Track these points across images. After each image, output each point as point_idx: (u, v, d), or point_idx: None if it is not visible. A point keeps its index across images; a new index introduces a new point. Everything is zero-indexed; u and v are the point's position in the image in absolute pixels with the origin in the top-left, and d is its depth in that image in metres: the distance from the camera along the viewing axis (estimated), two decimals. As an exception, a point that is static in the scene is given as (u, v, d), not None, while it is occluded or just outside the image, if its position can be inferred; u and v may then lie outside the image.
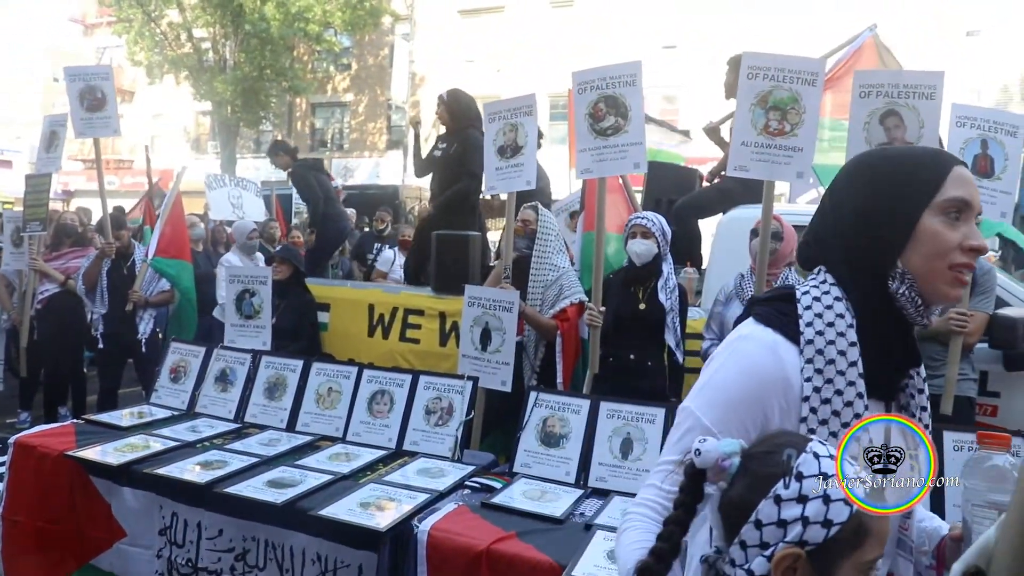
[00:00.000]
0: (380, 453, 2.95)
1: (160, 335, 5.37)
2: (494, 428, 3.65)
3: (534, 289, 3.82)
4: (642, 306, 3.41)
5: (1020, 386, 3.48)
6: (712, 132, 5.34)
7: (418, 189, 13.02)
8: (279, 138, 7.53)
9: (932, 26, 17.98)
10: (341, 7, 21.30)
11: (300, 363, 3.39)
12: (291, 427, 3.23)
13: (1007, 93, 18.10)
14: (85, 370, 6.00)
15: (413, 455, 2.94)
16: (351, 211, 9.30)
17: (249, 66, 21.11)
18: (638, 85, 3.36)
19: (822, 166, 4.75)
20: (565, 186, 7.43)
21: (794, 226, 3.39)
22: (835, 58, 5.22)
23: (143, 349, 5.14)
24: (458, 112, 5.33)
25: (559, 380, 3.59)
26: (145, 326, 5.19)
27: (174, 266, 5.26)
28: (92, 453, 2.80)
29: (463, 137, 5.19)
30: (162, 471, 2.63)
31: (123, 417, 3.33)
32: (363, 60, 25.40)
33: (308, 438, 3.12)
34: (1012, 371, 3.47)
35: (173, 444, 2.94)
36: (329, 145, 26.50)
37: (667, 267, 3.44)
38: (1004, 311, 3.49)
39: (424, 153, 5.60)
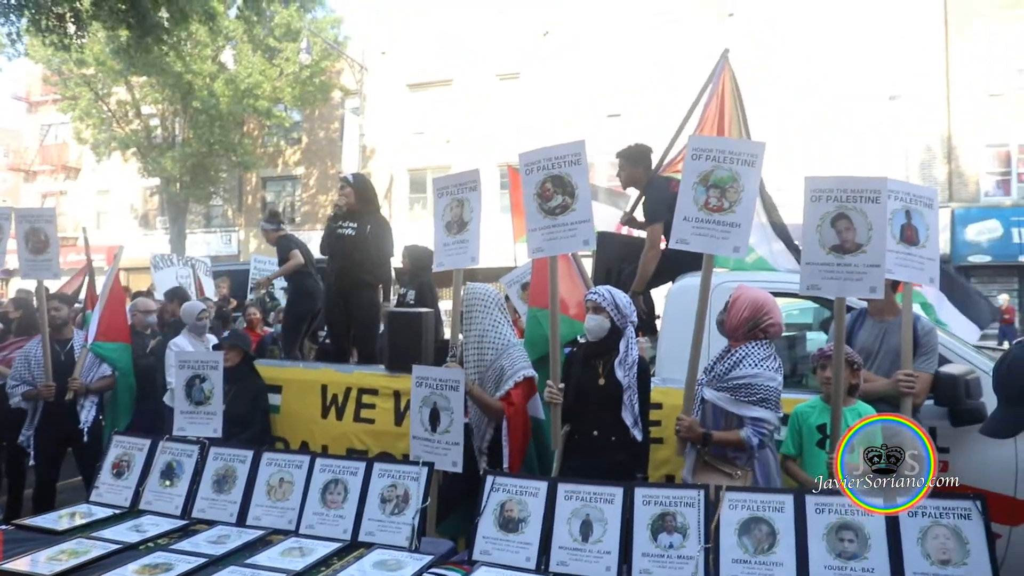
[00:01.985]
0: (335, 546, 2.83)
1: (102, 422, 5.17)
2: (452, 510, 3.56)
3: (467, 370, 3.69)
4: (601, 381, 3.41)
5: (967, 441, 3.57)
6: (629, 222, 5.63)
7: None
8: (273, 210, 7.50)
9: (856, 90, 19.05)
10: (291, 83, 21.65)
11: (250, 454, 3.27)
12: (241, 521, 3.09)
13: (930, 152, 19.16)
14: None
15: (369, 546, 2.84)
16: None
17: (198, 142, 21.14)
18: (583, 164, 3.47)
19: None
20: (510, 256, 7.54)
21: (774, 293, 3.44)
22: (707, 93, 5.56)
23: (85, 438, 4.93)
24: (364, 196, 5.43)
25: (505, 465, 3.51)
26: (87, 414, 5.00)
27: (115, 349, 5.15)
28: (21, 564, 2.62)
29: (374, 219, 5.35)
30: (99, 581, 2.48)
31: (59, 520, 3.14)
32: (313, 134, 25.66)
33: (259, 532, 2.98)
34: (958, 426, 3.56)
35: (114, 547, 2.78)
36: (281, 218, 26.42)
37: (624, 342, 3.43)
38: (945, 368, 3.61)
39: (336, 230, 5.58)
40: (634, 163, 5.19)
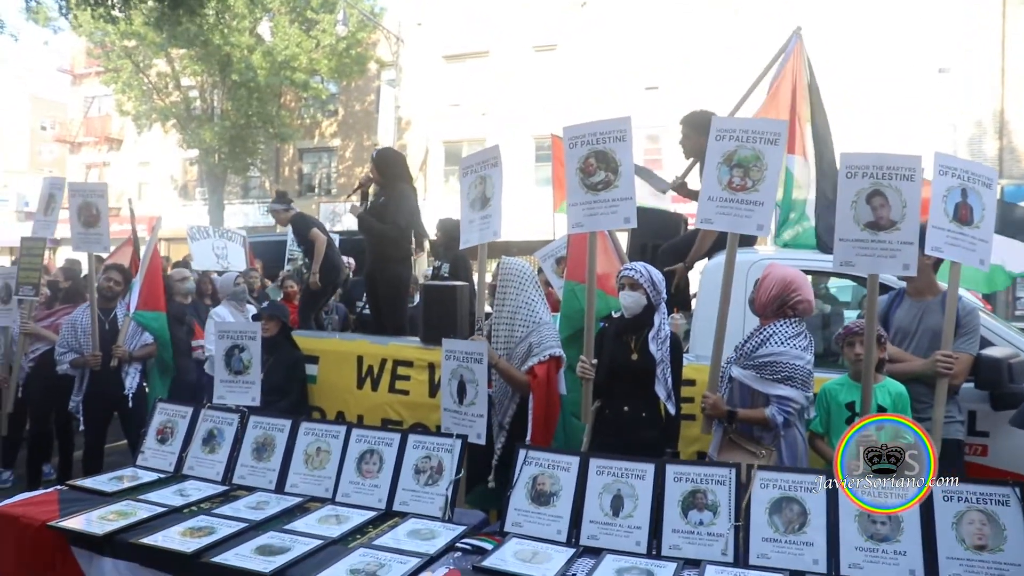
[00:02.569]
0: (370, 514, 2.91)
1: (146, 388, 5.34)
2: (479, 481, 3.62)
3: (496, 346, 3.72)
4: (634, 356, 3.41)
5: (1008, 425, 3.50)
6: (681, 188, 5.46)
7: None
8: (280, 190, 7.60)
9: (905, 63, 18.44)
10: (327, 55, 21.69)
11: (288, 423, 3.36)
12: (280, 488, 3.19)
13: (981, 128, 18.51)
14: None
15: (403, 516, 2.91)
16: (350, 260, 9.27)
17: (236, 114, 21.37)
18: (627, 140, 3.44)
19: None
20: (544, 229, 7.52)
21: (805, 271, 3.44)
22: (774, 70, 5.39)
23: (130, 404, 5.10)
24: (385, 169, 5.58)
25: (527, 440, 3.52)
26: (131, 380, 5.16)
27: (155, 319, 5.31)
28: (75, 523, 2.76)
29: (391, 191, 5.48)
30: (148, 540, 2.58)
31: (109, 482, 3.28)
32: (350, 106, 25.75)
33: (297, 500, 3.08)
34: (999, 410, 3.50)
35: (160, 510, 2.90)
36: (317, 190, 26.68)
37: (659, 317, 3.43)
38: (988, 351, 3.53)
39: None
40: (700, 132, 4.98)
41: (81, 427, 5.17)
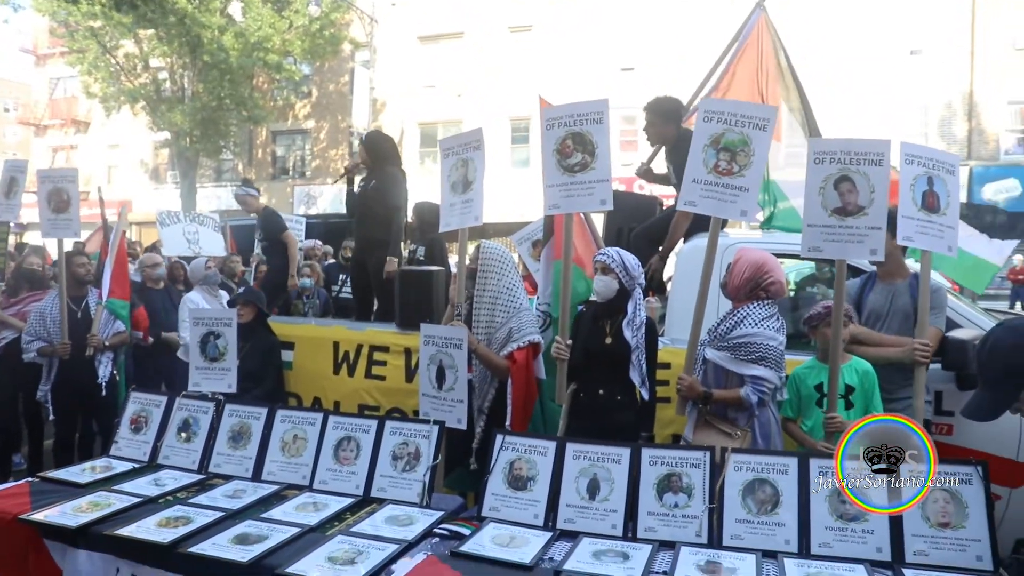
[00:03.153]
0: (348, 501, 2.91)
1: (117, 377, 5.27)
2: (457, 465, 3.63)
3: (476, 331, 3.71)
4: (608, 340, 3.43)
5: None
6: (645, 173, 5.46)
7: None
8: (245, 177, 7.62)
9: (877, 45, 18.61)
10: (300, 36, 21.34)
11: (264, 411, 3.35)
12: (256, 476, 3.18)
13: (951, 109, 18.79)
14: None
15: (381, 502, 2.92)
16: (318, 242, 9.21)
17: (208, 96, 20.96)
18: (605, 123, 3.44)
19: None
20: (522, 211, 7.54)
21: (776, 255, 3.46)
22: (734, 48, 5.40)
23: (103, 392, 5.04)
24: (375, 152, 5.63)
25: (507, 424, 3.55)
26: (104, 369, 5.10)
27: (123, 307, 5.27)
28: (48, 515, 2.73)
29: (381, 174, 5.51)
30: (123, 531, 2.56)
31: (82, 472, 3.25)
32: (323, 87, 25.40)
33: (274, 487, 3.07)
34: (965, 390, 3.58)
35: (135, 501, 2.88)
36: (291, 173, 26.36)
37: (633, 303, 3.44)
38: (955, 333, 3.61)
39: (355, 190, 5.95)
40: (666, 120, 4.98)
41: (51, 416, 5.10)
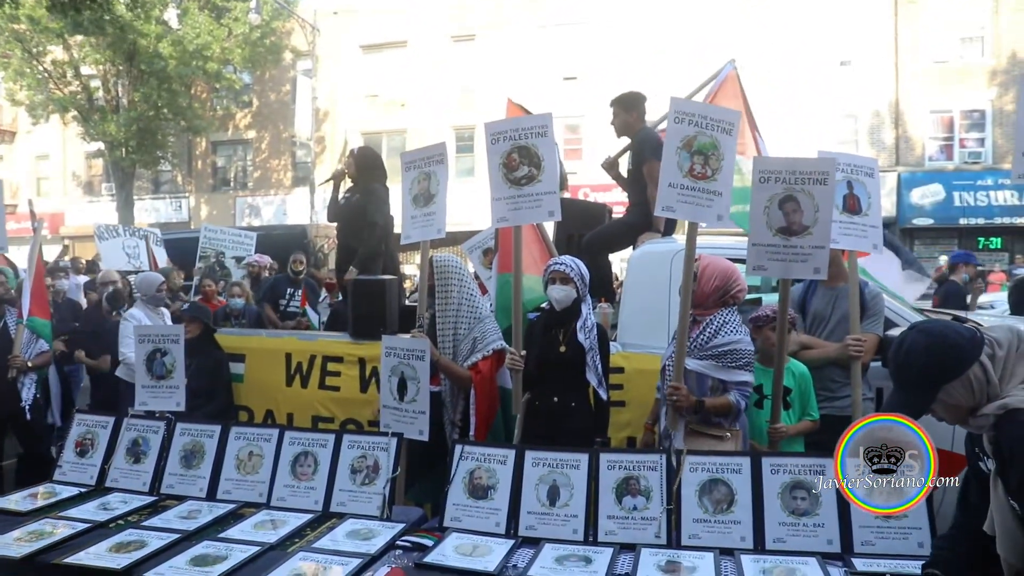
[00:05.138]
0: (307, 517, 2.88)
1: (40, 399, 5.06)
2: (418, 478, 3.63)
3: (443, 344, 3.75)
4: (563, 348, 3.48)
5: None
6: (611, 167, 5.53)
7: (327, 228, 12.87)
8: None
9: (807, 56, 19.32)
10: (240, 44, 20.91)
11: (218, 428, 3.28)
12: (211, 495, 3.12)
13: (879, 117, 19.61)
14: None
15: (341, 516, 2.90)
16: (267, 258, 9.02)
17: (144, 105, 20.31)
18: (550, 136, 3.50)
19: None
20: (468, 220, 7.58)
21: (731, 259, 3.50)
22: (703, 92, 5.56)
23: (27, 416, 4.84)
24: (364, 167, 5.75)
25: (472, 433, 3.58)
26: (28, 392, 4.89)
27: (44, 326, 5.08)
28: (-12, 546, 2.61)
29: (366, 190, 5.64)
30: (72, 559, 2.47)
31: (22, 500, 3.11)
32: (264, 96, 24.91)
33: (230, 506, 3.01)
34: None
35: (83, 527, 2.77)
36: (232, 184, 25.74)
37: (586, 308, 3.51)
38: (894, 332, 3.78)
39: (339, 199, 5.99)
40: (628, 109, 5.11)
41: None
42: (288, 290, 7.72)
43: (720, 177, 3.16)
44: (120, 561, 2.44)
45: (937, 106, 19.30)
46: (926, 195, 19.13)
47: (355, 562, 2.44)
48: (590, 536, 2.64)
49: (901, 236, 19.17)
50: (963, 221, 19.00)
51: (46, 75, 20.95)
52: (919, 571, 2.16)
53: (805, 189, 3.07)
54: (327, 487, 3.01)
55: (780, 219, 3.10)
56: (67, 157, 27.15)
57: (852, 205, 3.42)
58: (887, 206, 18.09)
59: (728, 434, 3.20)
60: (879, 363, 3.74)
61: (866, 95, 19.35)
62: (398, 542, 2.65)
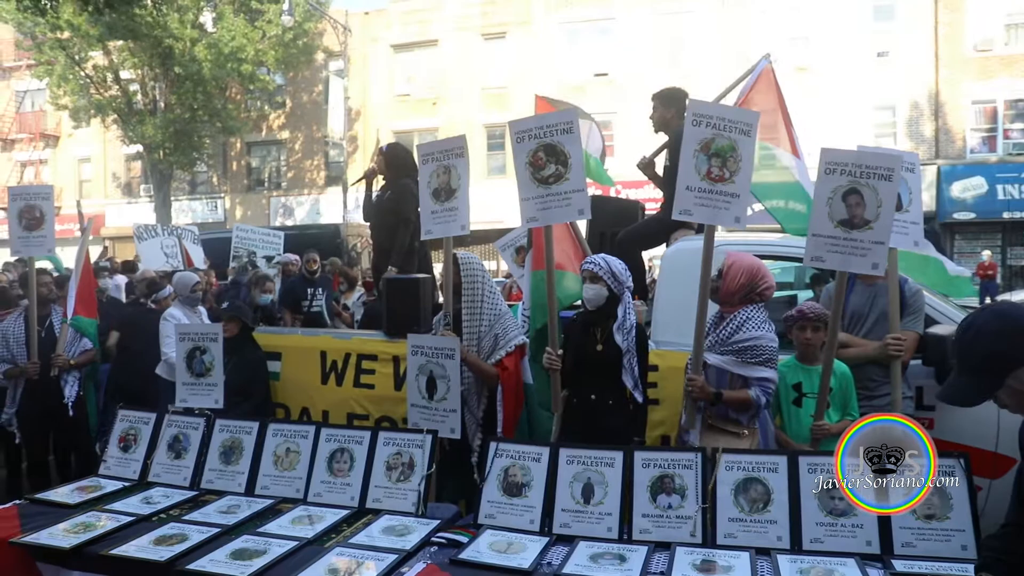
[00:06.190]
0: (343, 513, 2.92)
1: (83, 396, 5.19)
2: (451, 475, 3.65)
3: (469, 342, 3.75)
4: (599, 347, 3.47)
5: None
6: (647, 167, 5.49)
7: (360, 227, 13.00)
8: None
9: (845, 48, 18.97)
10: (273, 46, 21.22)
11: (256, 425, 3.34)
12: (250, 491, 3.17)
13: (918, 109, 19.17)
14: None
15: (377, 513, 2.93)
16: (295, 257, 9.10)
17: (181, 108, 20.76)
18: (575, 132, 3.45)
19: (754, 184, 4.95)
20: (499, 217, 7.57)
21: (758, 255, 3.48)
22: (738, 89, 5.47)
23: (71, 413, 4.97)
24: (394, 164, 5.72)
25: (499, 429, 3.58)
26: (71, 389, 5.01)
27: (92, 324, 5.21)
28: (40, 537, 2.69)
29: (397, 186, 5.60)
30: (118, 551, 2.55)
31: (70, 493, 3.21)
32: (297, 97, 25.25)
33: (268, 502, 3.06)
34: (945, 385, 3.66)
35: (127, 520, 2.85)
36: (267, 184, 26.14)
37: (623, 308, 3.48)
38: (934, 329, 3.70)
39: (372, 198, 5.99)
40: (667, 104, 5.06)
41: (17, 440, 5.01)
42: (308, 290, 7.78)
43: (738, 179, 3.14)
44: (163, 554, 2.51)
45: (980, 96, 18.80)
46: (967, 188, 18.66)
47: (390, 558, 2.46)
48: (624, 534, 2.63)
49: (941, 231, 18.74)
50: (1007, 215, 18.51)
51: (88, 80, 21.52)
52: (962, 574, 2.11)
53: (870, 184, 3.02)
54: (363, 484, 3.05)
55: (842, 211, 3.06)
56: (107, 160, 27.85)
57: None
58: (926, 200, 17.70)
59: (745, 431, 3.17)
60: (919, 361, 3.67)
61: (904, 86, 18.94)
62: (433, 538, 2.67)
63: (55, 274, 5.57)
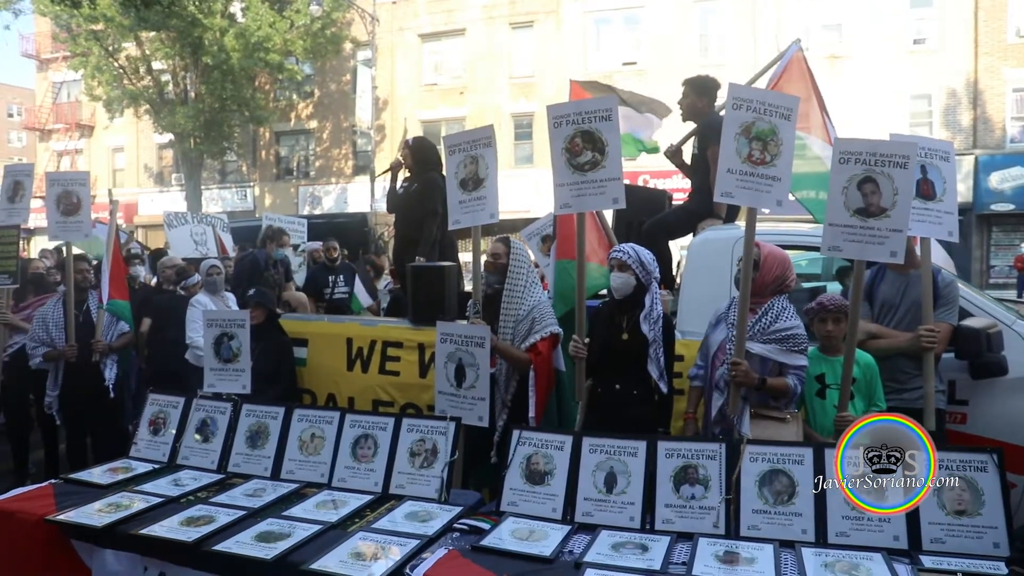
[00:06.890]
0: (367, 498, 2.95)
1: (122, 377, 5.31)
2: (477, 463, 3.66)
3: (505, 324, 3.76)
4: (625, 336, 3.45)
5: (986, 393, 3.60)
6: (675, 155, 5.44)
7: (387, 215, 13.06)
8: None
9: (880, 35, 18.55)
10: (302, 35, 21.35)
11: (281, 410, 3.38)
12: (275, 475, 3.22)
13: (955, 97, 18.68)
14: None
15: (400, 499, 2.95)
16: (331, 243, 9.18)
17: (211, 97, 21.00)
18: (614, 120, 3.42)
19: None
20: (527, 206, 7.54)
21: (781, 246, 3.45)
22: (769, 74, 5.38)
23: (111, 394, 5.09)
24: (420, 158, 5.75)
25: (531, 415, 3.58)
26: (111, 371, 5.13)
27: (126, 307, 5.31)
28: (74, 516, 2.77)
29: (424, 179, 5.64)
30: (148, 531, 2.60)
31: (103, 474, 3.29)
32: (325, 87, 25.38)
33: (293, 486, 3.11)
34: (978, 379, 3.59)
35: (157, 501, 2.92)
36: (295, 173, 26.37)
37: (650, 297, 3.46)
38: (968, 322, 3.62)
39: (397, 189, 6.01)
40: (699, 92, 5.01)
41: (58, 422, 5.14)
42: (329, 278, 7.83)
43: (779, 163, 3.11)
44: (191, 535, 2.56)
45: (1020, 83, 18.25)
46: (1006, 179, 18.16)
47: (413, 543, 2.48)
48: (647, 524, 2.63)
49: (978, 223, 18.30)
50: (1047, 206, 18.01)
51: (121, 71, 21.85)
52: (993, 571, 2.07)
53: (885, 172, 2.98)
54: (386, 469, 3.08)
55: (858, 200, 3.02)
56: (139, 149, 28.32)
57: (926, 191, 3.29)
58: (963, 191, 17.28)
59: (788, 416, 3.16)
60: (951, 355, 3.59)
61: (941, 74, 18.45)
62: (455, 525, 2.68)
63: (95, 262, 5.66)
